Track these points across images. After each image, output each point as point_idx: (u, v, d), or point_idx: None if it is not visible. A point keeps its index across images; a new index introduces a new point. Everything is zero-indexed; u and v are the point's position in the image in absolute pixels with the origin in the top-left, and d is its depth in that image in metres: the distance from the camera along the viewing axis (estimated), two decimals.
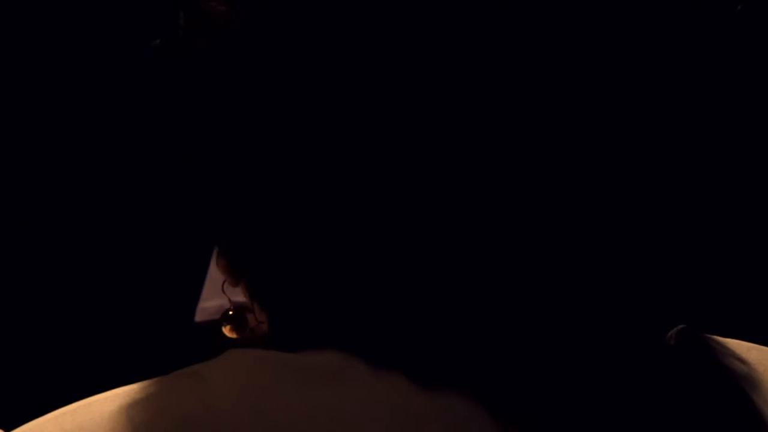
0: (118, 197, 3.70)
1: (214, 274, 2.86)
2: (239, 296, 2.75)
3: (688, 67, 0.60)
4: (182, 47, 0.64)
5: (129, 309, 3.65)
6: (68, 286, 3.64)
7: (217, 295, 2.86)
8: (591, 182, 0.60)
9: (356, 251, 0.62)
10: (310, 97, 0.60)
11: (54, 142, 3.61)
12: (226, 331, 0.77)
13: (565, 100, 0.60)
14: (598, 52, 0.59)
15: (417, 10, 0.58)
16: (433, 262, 0.62)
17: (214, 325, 2.87)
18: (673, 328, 0.64)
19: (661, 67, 0.61)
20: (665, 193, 0.61)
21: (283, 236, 0.65)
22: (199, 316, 3.00)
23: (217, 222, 0.69)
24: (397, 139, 0.60)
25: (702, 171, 0.61)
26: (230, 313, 0.75)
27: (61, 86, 3.57)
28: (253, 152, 0.63)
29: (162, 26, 0.65)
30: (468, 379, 0.63)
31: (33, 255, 3.61)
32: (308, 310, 0.67)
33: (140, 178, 3.65)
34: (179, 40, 0.64)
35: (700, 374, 0.64)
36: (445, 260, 0.62)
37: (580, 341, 0.64)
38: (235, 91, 0.62)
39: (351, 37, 0.59)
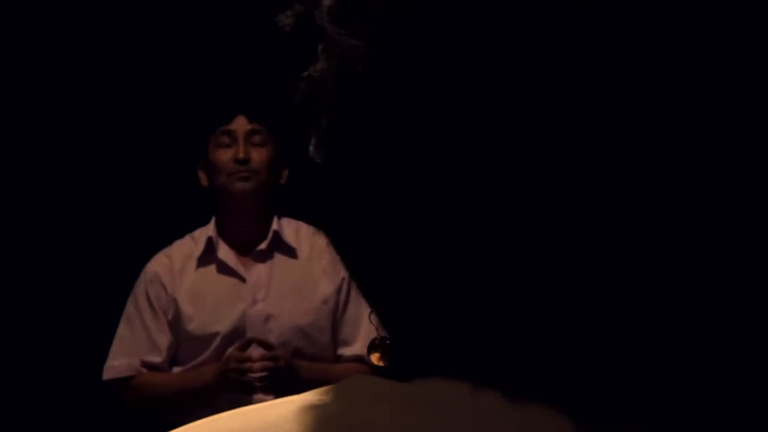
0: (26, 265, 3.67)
1: (123, 333, 2.90)
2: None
3: None
4: (320, 83, 0.64)
5: (39, 367, 3.61)
6: None
7: (123, 355, 2.91)
8: (701, 193, 0.61)
9: (477, 284, 0.63)
10: (441, 132, 0.61)
11: None
12: (374, 359, 0.74)
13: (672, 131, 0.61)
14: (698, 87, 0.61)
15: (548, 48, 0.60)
16: (546, 286, 0.62)
17: (121, 383, 2.91)
18: None
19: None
20: None
21: (403, 264, 0.64)
22: (107, 374, 2.97)
23: (349, 247, 0.68)
24: (530, 171, 0.60)
25: None
26: (376, 342, 0.77)
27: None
28: (387, 184, 0.63)
29: (294, 63, 0.66)
30: (563, 399, 0.62)
31: None
32: (424, 337, 0.66)
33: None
34: (317, 76, 0.64)
35: None
36: (559, 283, 0.62)
37: (690, 358, 0.63)
38: (379, 125, 0.62)
39: (481, 75, 0.60)
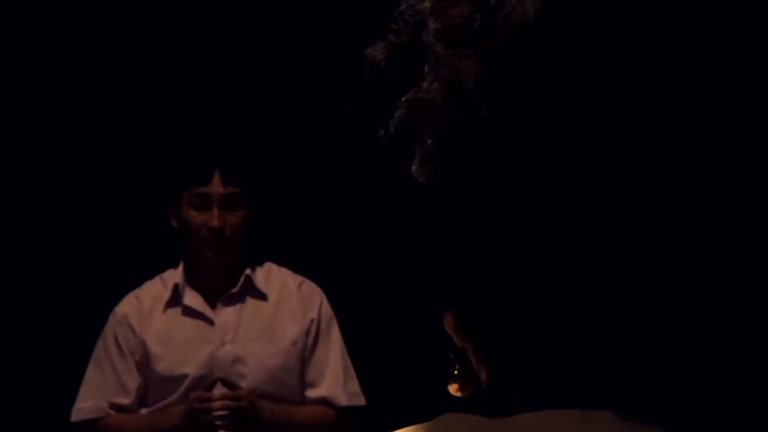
0: None
1: (92, 375, 2.88)
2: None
3: None
4: (427, 103, 0.64)
5: (6, 408, 3.56)
6: None
7: (91, 396, 2.89)
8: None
9: (566, 311, 0.63)
10: (554, 156, 0.62)
11: None
12: (453, 390, 0.74)
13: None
14: None
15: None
16: (656, 319, 0.62)
17: (89, 425, 2.89)
18: None
19: None
20: None
21: (514, 297, 0.64)
22: (75, 416, 2.95)
23: (451, 283, 0.67)
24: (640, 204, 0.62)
25: None
26: (456, 372, 0.74)
27: None
28: (488, 213, 0.63)
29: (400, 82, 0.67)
30: (672, 419, 0.62)
31: None
32: (521, 368, 0.65)
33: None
34: (422, 96, 0.65)
35: None
36: (660, 309, 0.62)
37: None
38: (494, 144, 0.62)
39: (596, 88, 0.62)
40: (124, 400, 2.94)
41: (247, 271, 3.03)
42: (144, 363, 2.95)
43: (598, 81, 0.62)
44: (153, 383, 2.95)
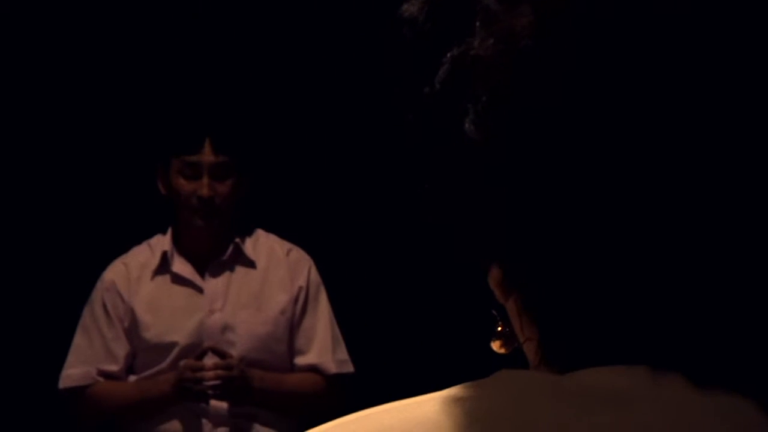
0: None
1: (79, 342, 2.87)
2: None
3: None
4: (479, 60, 0.64)
5: None
6: None
7: (79, 363, 2.88)
8: None
9: (631, 261, 0.62)
10: (604, 115, 0.61)
11: None
12: (495, 346, 0.73)
13: None
14: None
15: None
16: (713, 269, 0.61)
17: (77, 392, 2.88)
18: None
19: None
20: None
21: (566, 245, 0.63)
22: (63, 383, 2.94)
23: (497, 235, 0.66)
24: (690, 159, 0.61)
25: None
26: (499, 329, 0.72)
27: None
28: (547, 163, 0.62)
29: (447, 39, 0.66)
30: (748, 381, 0.61)
31: None
32: (584, 322, 0.63)
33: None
34: (474, 53, 0.64)
35: None
36: (722, 268, 0.61)
37: None
38: (544, 102, 0.62)
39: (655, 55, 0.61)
40: (113, 367, 2.92)
41: (236, 239, 3.02)
42: (132, 330, 2.93)
43: (662, 39, 0.62)
44: (141, 351, 2.94)
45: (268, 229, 3.10)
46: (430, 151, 0.69)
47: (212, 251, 2.99)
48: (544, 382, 0.62)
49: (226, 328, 2.94)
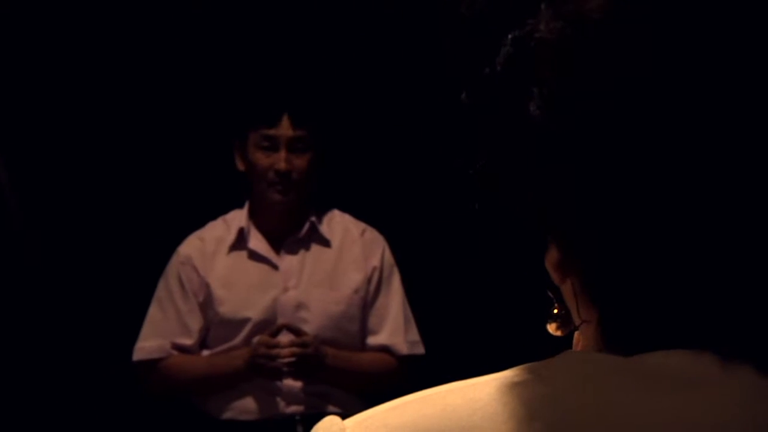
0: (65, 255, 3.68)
1: (154, 315, 2.91)
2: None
3: None
4: (546, 42, 0.64)
5: (70, 350, 3.62)
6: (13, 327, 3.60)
7: (154, 336, 2.92)
8: None
9: (700, 245, 0.61)
10: (686, 96, 0.61)
11: None
12: (552, 329, 0.73)
13: None
14: None
15: None
16: None
17: (150, 364, 2.91)
18: None
19: None
20: None
21: (630, 227, 0.62)
22: (137, 355, 2.99)
23: (559, 215, 0.66)
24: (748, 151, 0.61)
25: None
26: (555, 311, 0.72)
27: None
28: (615, 146, 0.62)
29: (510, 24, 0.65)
30: None
31: None
32: (649, 306, 0.63)
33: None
34: (541, 36, 0.64)
35: None
36: None
37: None
38: (617, 85, 0.62)
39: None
40: (187, 341, 2.95)
41: (312, 217, 3.03)
42: (207, 305, 2.96)
43: (737, 24, 0.61)
44: (215, 326, 2.96)
45: (344, 209, 3.11)
46: (492, 132, 0.68)
47: (288, 228, 3.00)
48: (612, 363, 0.62)
49: (299, 305, 2.95)
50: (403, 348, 2.98)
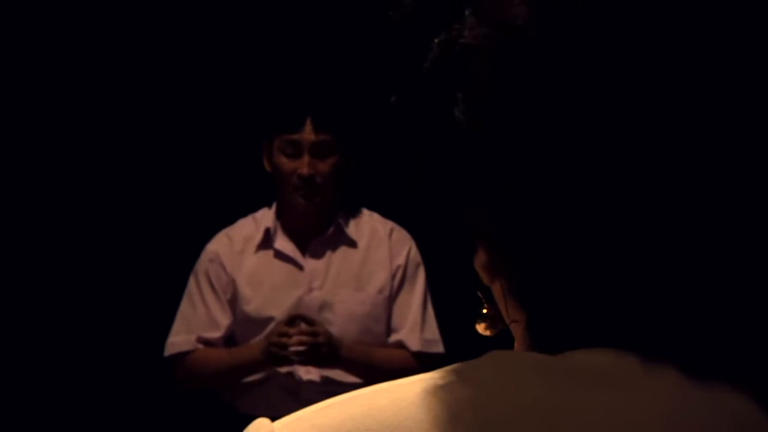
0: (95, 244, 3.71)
1: (185, 310, 2.94)
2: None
3: None
4: (470, 47, 0.63)
5: (101, 345, 3.65)
6: (39, 320, 3.64)
7: (183, 331, 2.95)
8: None
9: (625, 246, 0.61)
10: (612, 99, 0.61)
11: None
12: (480, 329, 0.73)
13: None
14: None
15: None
16: (711, 257, 0.60)
17: (179, 358, 2.94)
18: None
19: None
20: None
21: (554, 229, 0.62)
22: (168, 351, 3.03)
23: (492, 216, 0.65)
24: (692, 149, 0.61)
25: None
26: (484, 311, 0.72)
27: None
28: (538, 150, 0.62)
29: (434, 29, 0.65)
30: (738, 369, 0.60)
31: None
32: (575, 306, 0.63)
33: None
34: (465, 41, 0.63)
35: None
36: (721, 256, 0.61)
37: None
38: (539, 90, 0.62)
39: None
40: (214, 335, 2.97)
41: (339, 218, 3.04)
42: (233, 302, 2.99)
43: (664, 31, 0.61)
44: (240, 323, 2.99)
45: (373, 208, 3.11)
46: (420, 135, 0.69)
47: (314, 229, 3.02)
48: (536, 361, 0.62)
49: (324, 306, 2.97)
50: (415, 344, 2.97)
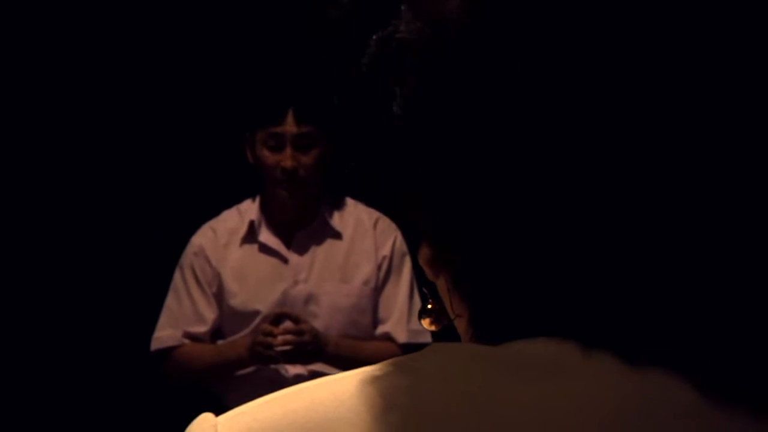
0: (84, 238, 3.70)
1: (170, 305, 2.93)
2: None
3: None
4: (406, 43, 0.63)
5: (87, 338, 3.65)
6: (31, 317, 3.63)
7: (169, 326, 2.94)
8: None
9: (563, 237, 0.61)
10: (544, 91, 0.60)
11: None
12: (426, 323, 0.74)
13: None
14: None
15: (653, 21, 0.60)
16: (648, 243, 0.61)
17: (165, 353, 2.94)
18: None
19: None
20: None
21: (493, 223, 0.62)
22: (153, 345, 3.02)
23: (433, 212, 0.66)
24: (623, 140, 0.60)
25: None
26: (429, 306, 0.73)
27: None
28: (474, 144, 0.62)
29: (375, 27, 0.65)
30: (676, 360, 0.60)
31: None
32: (515, 299, 0.63)
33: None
34: (402, 36, 0.64)
35: None
36: (655, 247, 0.61)
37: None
38: (473, 84, 0.61)
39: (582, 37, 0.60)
40: (200, 329, 2.96)
41: (323, 210, 3.02)
42: (219, 296, 2.98)
43: (594, 20, 0.61)
44: (227, 317, 2.98)
45: (358, 197, 3.09)
46: (363, 131, 0.70)
47: (298, 222, 3.00)
48: (475, 351, 0.63)
49: (309, 299, 2.95)
50: (402, 336, 2.96)
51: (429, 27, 0.63)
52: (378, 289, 2.99)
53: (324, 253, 3.01)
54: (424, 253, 0.69)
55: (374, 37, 0.66)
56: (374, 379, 0.63)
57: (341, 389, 0.63)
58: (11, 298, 3.62)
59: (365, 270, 2.99)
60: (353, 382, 0.63)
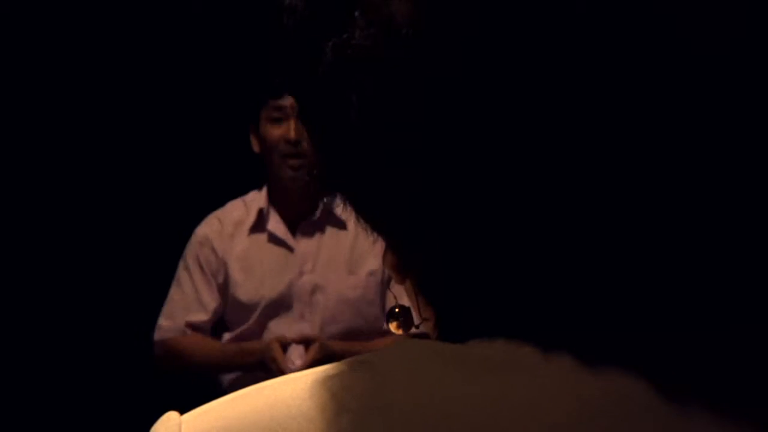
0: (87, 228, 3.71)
1: (173, 294, 2.93)
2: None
3: None
4: (361, 49, 0.63)
5: (91, 330, 3.66)
6: (33, 308, 3.65)
7: (171, 315, 2.94)
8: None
9: (519, 238, 0.62)
10: (495, 94, 0.60)
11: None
12: (393, 327, 0.74)
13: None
14: None
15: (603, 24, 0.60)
16: (602, 246, 0.61)
17: (165, 343, 2.93)
18: None
19: None
20: None
21: (453, 227, 0.63)
22: (156, 335, 3.02)
23: (393, 218, 0.66)
24: (579, 136, 0.60)
25: None
26: (396, 310, 0.73)
27: None
28: (430, 149, 0.62)
29: (330, 28, 0.65)
30: (635, 358, 0.61)
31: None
32: (477, 301, 0.64)
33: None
34: (356, 43, 0.63)
35: None
36: (613, 244, 0.61)
37: (733, 330, 0.63)
38: (425, 90, 0.61)
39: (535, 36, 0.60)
40: (201, 317, 2.96)
41: (325, 198, 2.99)
42: (225, 286, 2.97)
43: (545, 25, 0.60)
44: (230, 307, 2.97)
45: None
46: (322, 138, 0.69)
47: (304, 211, 2.99)
48: (436, 350, 0.63)
49: (315, 289, 2.95)
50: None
51: (381, 33, 0.63)
52: (385, 282, 2.98)
53: (330, 243, 3.00)
54: (389, 257, 0.70)
55: (329, 44, 0.65)
56: (334, 377, 0.63)
57: (305, 387, 0.63)
58: (11, 291, 3.63)
59: (371, 260, 2.98)
60: (315, 378, 0.64)
